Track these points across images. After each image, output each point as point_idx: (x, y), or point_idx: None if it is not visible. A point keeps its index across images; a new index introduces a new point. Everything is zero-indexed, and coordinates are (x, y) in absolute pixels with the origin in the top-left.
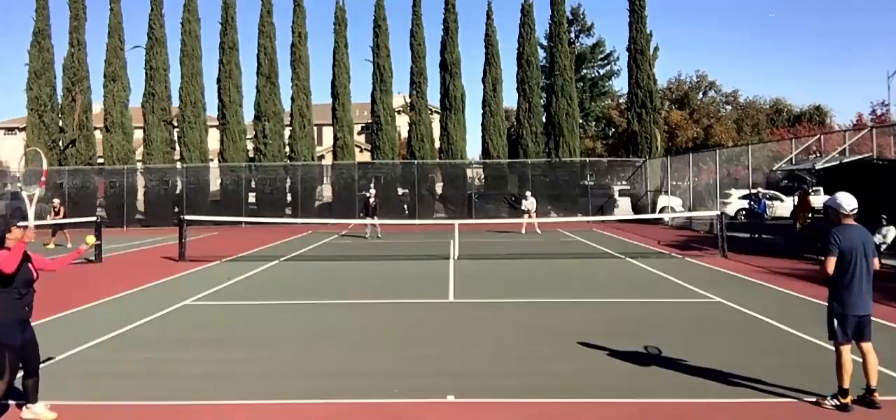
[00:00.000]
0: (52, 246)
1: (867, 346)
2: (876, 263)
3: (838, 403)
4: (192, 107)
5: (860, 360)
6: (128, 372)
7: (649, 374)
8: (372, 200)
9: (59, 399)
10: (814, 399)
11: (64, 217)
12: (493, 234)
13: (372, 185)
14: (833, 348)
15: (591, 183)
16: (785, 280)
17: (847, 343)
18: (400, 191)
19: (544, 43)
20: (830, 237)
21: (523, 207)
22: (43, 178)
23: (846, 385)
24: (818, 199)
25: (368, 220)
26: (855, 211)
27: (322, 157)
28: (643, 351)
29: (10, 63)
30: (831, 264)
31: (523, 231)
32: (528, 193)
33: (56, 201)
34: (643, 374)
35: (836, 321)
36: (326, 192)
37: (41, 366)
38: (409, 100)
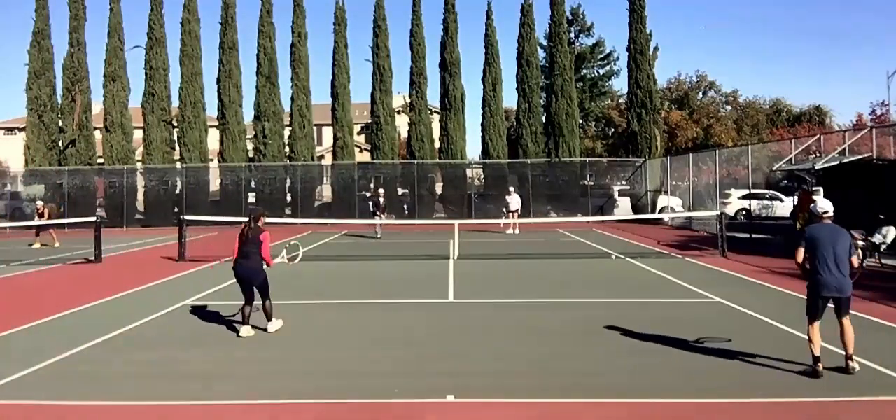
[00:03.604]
0: (37, 246)
1: (845, 321)
2: (854, 261)
3: (811, 370)
4: (192, 107)
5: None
6: (128, 372)
7: (649, 374)
8: (381, 200)
9: (60, 399)
10: (813, 399)
11: (48, 218)
12: (493, 234)
13: (372, 185)
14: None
15: (591, 183)
16: (785, 280)
17: (815, 321)
18: (400, 191)
19: (544, 43)
20: (802, 233)
21: (513, 207)
22: None
23: (817, 353)
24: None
25: (378, 219)
26: (827, 213)
27: (322, 157)
28: (645, 350)
29: (10, 63)
30: (799, 254)
31: (511, 230)
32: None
33: (39, 203)
34: (643, 374)
35: (809, 302)
36: (326, 192)
37: (42, 364)
38: (408, 100)
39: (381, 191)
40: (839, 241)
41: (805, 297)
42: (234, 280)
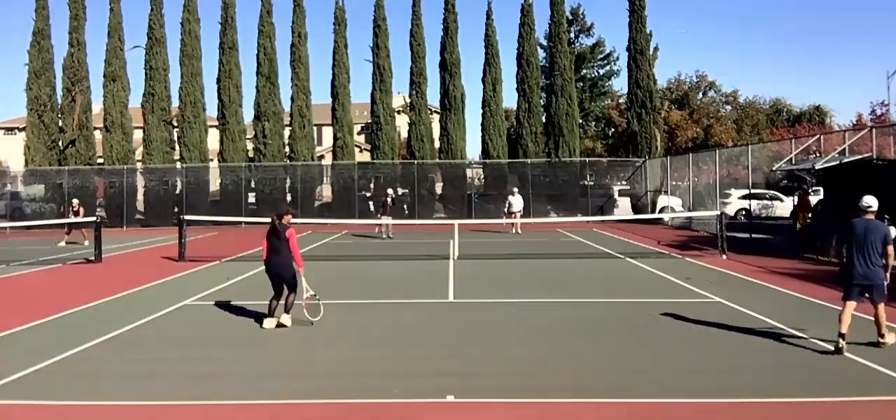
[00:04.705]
0: (79, 241)
1: (878, 308)
2: (890, 250)
3: (835, 346)
4: (192, 107)
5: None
6: (128, 372)
7: (649, 374)
8: (389, 200)
9: (60, 399)
10: (813, 399)
11: (83, 216)
12: (492, 234)
13: (372, 185)
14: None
15: (591, 183)
16: (785, 280)
17: (849, 300)
18: (400, 191)
19: (544, 43)
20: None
21: (515, 208)
22: None
23: (843, 331)
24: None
25: (386, 220)
26: (870, 208)
27: (322, 157)
28: (644, 350)
29: (10, 63)
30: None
31: (513, 231)
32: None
33: (75, 202)
34: (643, 374)
35: (843, 284)
36: (326, 192)
37: (42, 364)
38: (408, 100)
39: (389, 191)
40: (871, 235)
41: (804, 298)
42: (234, 280)
